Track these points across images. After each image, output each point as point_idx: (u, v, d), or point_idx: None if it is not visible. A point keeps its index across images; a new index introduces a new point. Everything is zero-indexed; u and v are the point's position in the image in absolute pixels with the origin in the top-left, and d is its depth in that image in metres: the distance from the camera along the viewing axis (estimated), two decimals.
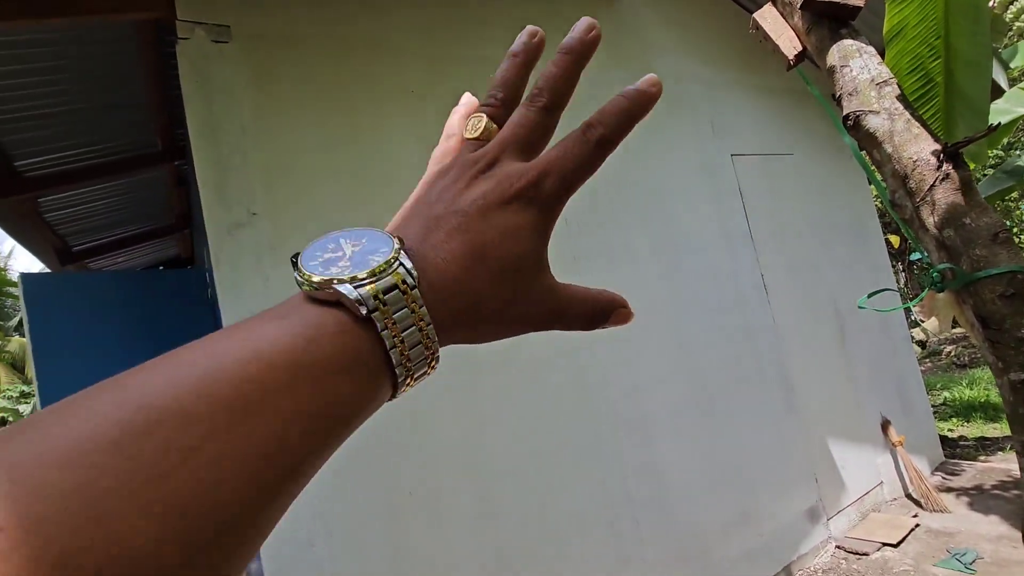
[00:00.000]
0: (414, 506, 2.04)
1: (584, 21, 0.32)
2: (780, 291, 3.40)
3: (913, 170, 1.10)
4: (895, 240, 8.17)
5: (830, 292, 3.70)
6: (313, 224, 2.04)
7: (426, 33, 2.46)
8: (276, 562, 1.79)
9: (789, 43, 1.28)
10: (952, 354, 8.51)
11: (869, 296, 1.46)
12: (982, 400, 5.80)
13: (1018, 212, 9.34)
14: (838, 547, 3.15)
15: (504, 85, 0.34)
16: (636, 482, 2.57)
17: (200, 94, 1.90)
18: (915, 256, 1.28)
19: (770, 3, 1.32)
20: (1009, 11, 3.32)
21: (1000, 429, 5.06)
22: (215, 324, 2.41)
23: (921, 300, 1.19)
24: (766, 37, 1.32)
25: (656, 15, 3.28)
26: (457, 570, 2.08)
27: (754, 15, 1.35)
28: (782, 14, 1.31)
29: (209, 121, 1.92)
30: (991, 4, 3.23)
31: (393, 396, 0.27)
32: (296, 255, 0.26)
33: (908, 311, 5.76)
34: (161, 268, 4.37)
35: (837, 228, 3.93)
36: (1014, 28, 3.33)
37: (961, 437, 4.98)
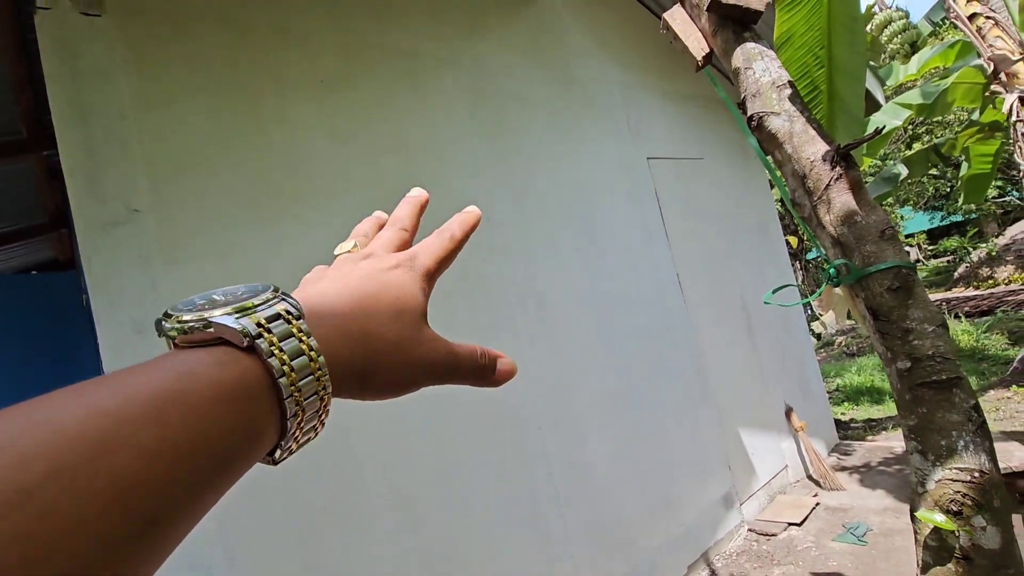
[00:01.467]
0: (329, 521, 1.91)
1: (467, 214, 0.39)
2: (694, 287, 3.55)
3: (811, 170, 1.15)
4: (793, 241, 8.87)
5: (739, 288, 3.92)
6: (209, 222, 1.86)
7: (338, 20, 2.32)
8: None
9: (697, 44, 1.30)
10: (843, 344, 9.39)
11: (773, 292, 1.53)
12: (868, 385, 6.43)
13: (893, 216, 10.48)
14: (750, 530, 3.33)
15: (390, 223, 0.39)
16: (562, 479, 2.57)
17: (66, 74, 1.67)
18: (812, 255, 1.36)
19: (679, 4, 1.34)
20: (884, 33, 3.68)
21: (884, 410, 5.62)
22: (91, 332, 2.13)
23: (819, 295, 1.25)
24: (676, 37, 1.34)
25: (575, 18, 3.31)
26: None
27: (664, 15, 1.37)
28: (690, 15, 1.33)
29: (78, 104, 1.69)
30: (867, 28, 3.56)
31: (279, 446, 0.24)
32: (160, 317, 0.24)
33: (807, 305, 6.27)
34: (33, 272, 3.87)
35: (744, 228, 4.18)
36: (887, 50, 3.69)
37: (852, 420, 5.47)
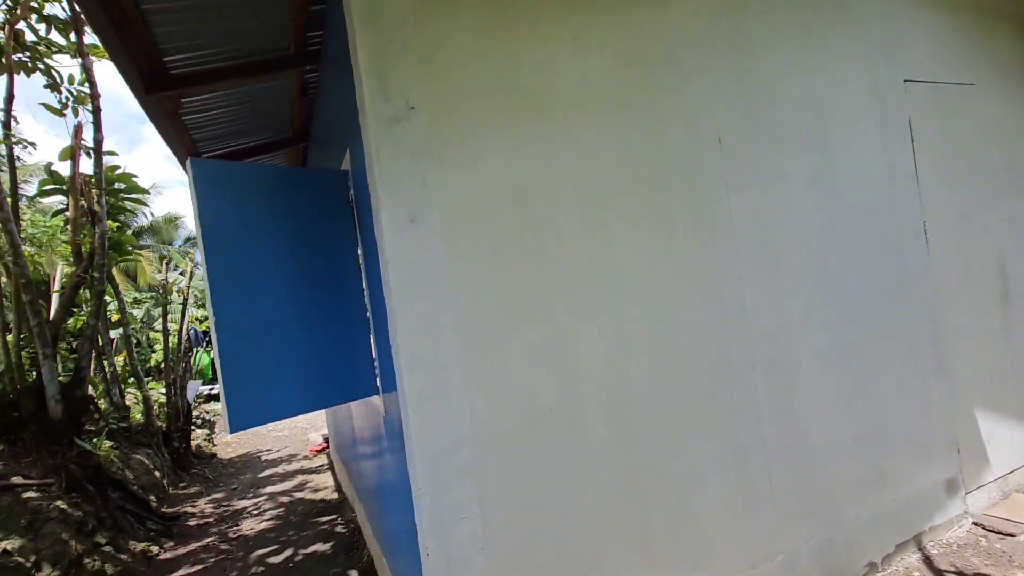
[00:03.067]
0: (552, 424, 2.00)
1: None
2: (941, 240, 3.01)
3: None
4: None
5: (997, 247, 3.25)
6: (468, 127, 1.93)
7: None
8: (425, 458, 1.80)
9: None
10: None
11: None
12: None
13: None
14: (975, 523, 2.89)
15: None
16: (771, 427, 2.42)
17: None
18: None
19: None
20: None
21: None
22: (353, 226, 2.40)
23: None
24: None
25: None
26: (590, 490, 2.04)
27: None
28: None
29: (370, 10, 1.81)
30: None
31: None
32: None
33: None
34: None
35: (1016, 175, 3.40)
36: None
37: None
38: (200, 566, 3.72)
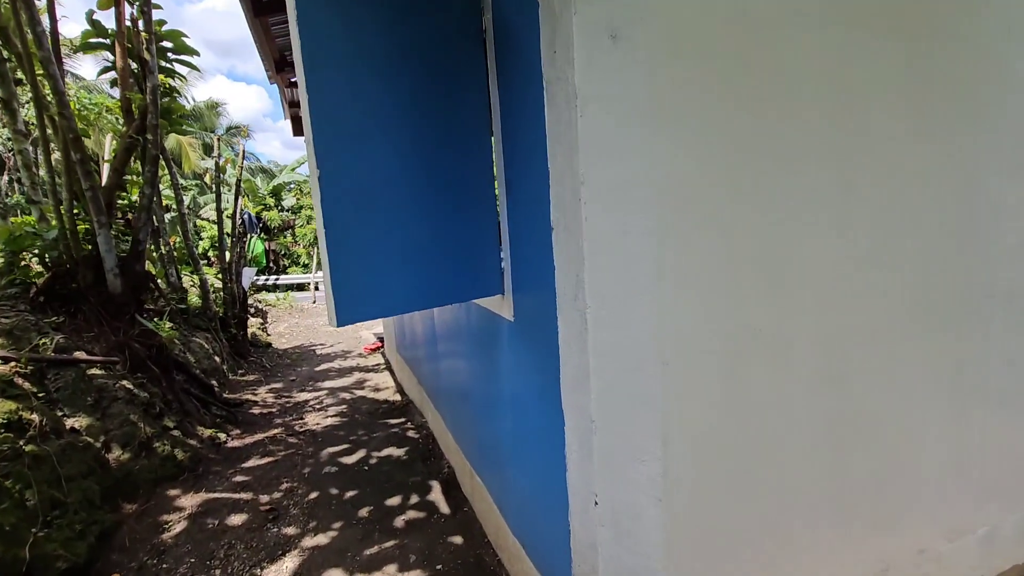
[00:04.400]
0: (758, 349, 1.48)
1: None
2: None
3: None
4: None
5: None
6: None
7: None
8: (603, 381, 1.33)
9: None
10: None
11: None
12: None
13: None
14: None
15: None
16: (998, 376, 1.86)
17: None
18: None
19: None
20: None
21: None
22: (486, 67, 1.80)
23: None
24: None
25: None
26: (787, 438, 1.56)
27: None
28: None
29: None
30: None
31: None
32: None
33: None
34: None
35: None
36: None
37: None
38: (271, 458, 3.55)
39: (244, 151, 6.63)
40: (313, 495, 3.03)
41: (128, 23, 3.84)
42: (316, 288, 13.74)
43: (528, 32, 1.51)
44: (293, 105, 5.90)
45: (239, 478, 3.27)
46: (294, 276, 17.96)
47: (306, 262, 20.65)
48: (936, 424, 1.78)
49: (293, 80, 5.37)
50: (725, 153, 1.36)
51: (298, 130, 6.40)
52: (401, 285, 1.67)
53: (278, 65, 4.59)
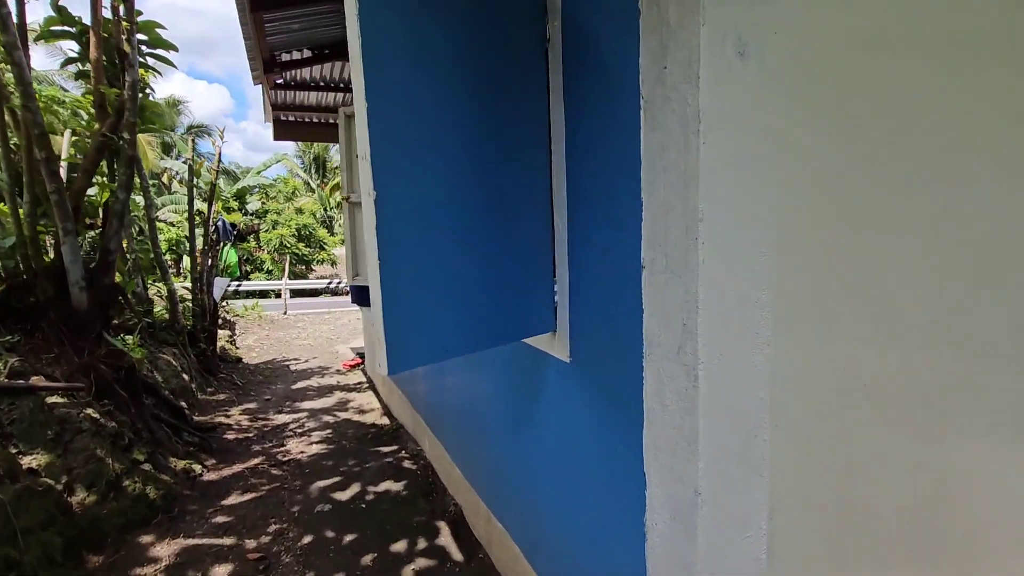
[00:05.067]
0: (866, 405, 1.33)
1: None
2: None
3: None
4: None
5: None
6: None
7: None
8: (713, 447, 1.15)
9: None
10: None
11: None
12: None
13: None
14: None
15: None
16: None
17: None
18: None
19: None
20: None
21: None
22: (546, 82, 1.62)
23: None
24: None
25: None
26: (892, 490, 1.42)
27: None
28: None
29: None
30: None
31: None
32: None
33: None
34: None
35: None
36: None
37: None
38: (254, 494, 3.22)
39: (220, 153, 6.22)
40: (307, 539, 2.73)
41: (106, 12, 3.49)
42: (290, 296, 13.17)
43: (616, 43, 1.34)
44: (278, 108, 5.58)
45: (220, 519, 2.94)
46: (259, 283, 17.24)
47: (270, 268, 19.89)
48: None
49: (280, 82, 5.07)
50: (844, 187, 1.21)
51: (280, 134, 6.06)
52: (451, 324, 1.45)
53: (267, 65, 4.29)
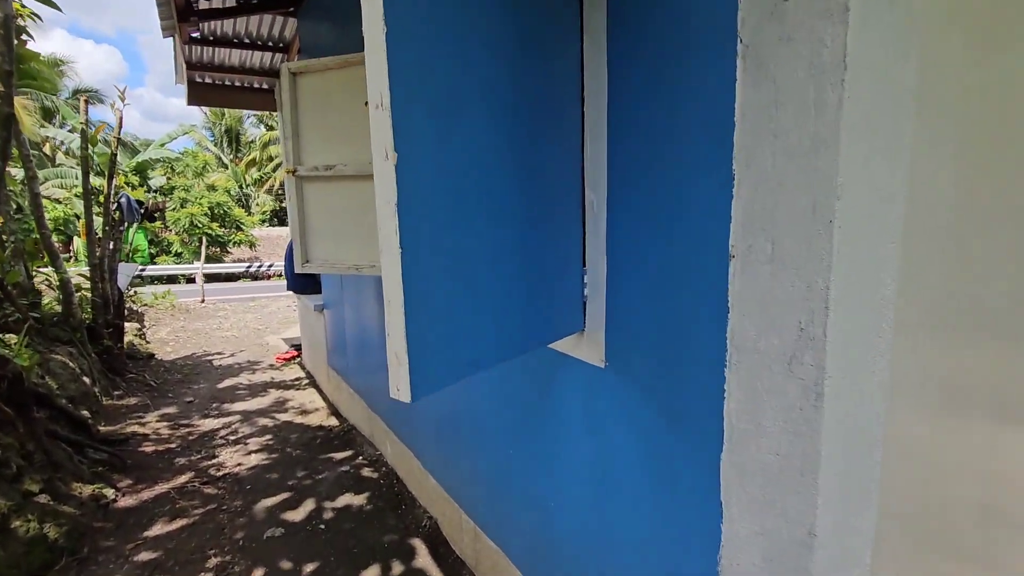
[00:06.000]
0: (973, 418, 1.18)
1: None
2: None
3: None
4: None
5: None
6: None
7: None
8: (835, 471, 0.94)
9: None
10: None
11: None
12: None
13: None
14: None
15: None
16: None
17: None
18: None
19: None
20: None
21: None
22: (580, 56, 1.32)
23: None
24: None
25: None
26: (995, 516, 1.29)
27: None
28: None
29: None
30: None
31: None
32: None
33: None
34: None
35: None
36: None
37: None
38: (184, 520, 2.74)
39: (122, 118, 5.31)
40: (258, 573, 2.33)
41: None
42: (205, 281, 11.96)
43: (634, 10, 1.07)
44: (194, 67, 4.82)
45: (144, 555, 2.45)
46: (168, 266, 15.62)
47: (179, 250, 18.10)
48: None
49: (196, 35, 4.36)
50: (979, 175, 1.03)
51: (195, 98, 5.27)
52: (485, 328, 1.15)
53: (182, 13, 3.63)
